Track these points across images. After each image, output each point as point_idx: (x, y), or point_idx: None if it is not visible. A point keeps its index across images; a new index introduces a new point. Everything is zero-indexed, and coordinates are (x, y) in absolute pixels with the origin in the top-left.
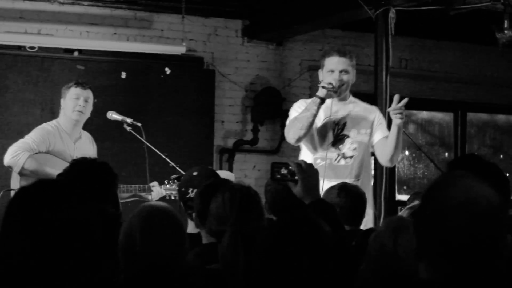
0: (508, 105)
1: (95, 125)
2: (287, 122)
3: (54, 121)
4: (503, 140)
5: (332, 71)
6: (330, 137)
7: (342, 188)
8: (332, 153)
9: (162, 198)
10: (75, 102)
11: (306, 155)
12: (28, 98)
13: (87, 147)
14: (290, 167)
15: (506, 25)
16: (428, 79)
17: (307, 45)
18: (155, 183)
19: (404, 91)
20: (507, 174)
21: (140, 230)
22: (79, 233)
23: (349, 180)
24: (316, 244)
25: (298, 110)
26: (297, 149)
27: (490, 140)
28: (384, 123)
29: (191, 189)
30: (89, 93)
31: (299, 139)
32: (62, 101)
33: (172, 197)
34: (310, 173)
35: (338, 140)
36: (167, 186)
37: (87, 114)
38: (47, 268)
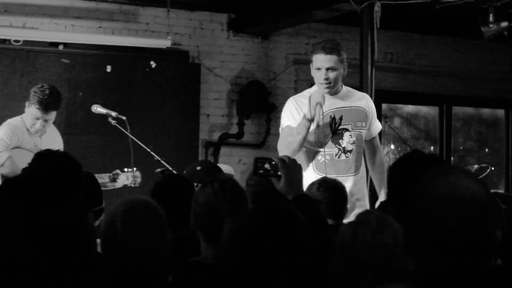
0: (493, 99)
1: (80, 118)
2: (280, 130)
3: (18, 118)
4: (488, 134)
5: (319, 68)
6: (329, 132)
7: (322, 183)
8: (333, 149)
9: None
10: (34, 121)
11: (305, 152)
12: (13, 91)
13: (53, 140)
14: (273, 162)
15: (491, 18)
16: (413, 73)
17: (293, 38)
18: (118, 171)
19: (390, 85)
20: (492, 168)
21: (122, 223)
22: (64, 225)
23: (350, 175)
24: (291, 234)
25: (287, 117)
26: None
27: (475, 133)
28: (375, 113)
29: (195, 184)
30: (52, 115)
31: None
32: (27, 104)
33: (132, 185)
34: (293, 168)
35: (338, 134)
36: (129, 173)
37: (46, 128)
38: (33, 262)
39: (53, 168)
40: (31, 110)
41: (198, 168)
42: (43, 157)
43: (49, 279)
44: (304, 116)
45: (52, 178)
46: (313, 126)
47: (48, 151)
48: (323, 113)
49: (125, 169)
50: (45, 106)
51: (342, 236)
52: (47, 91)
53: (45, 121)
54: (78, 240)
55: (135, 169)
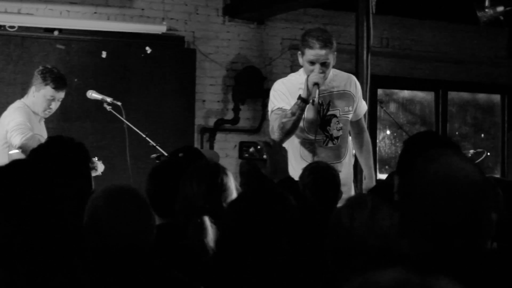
0: (489, 84)
1: (75, 104)
2: (269, 111)
3: (21, 103)
4: (484, 119)
5: (312, 62)
6: (317, 119)
7: (314, 168)
8: (320, 136)
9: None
10: (49, 103)
11: (292, 139)
12: (8, 77)
13: (43, 126)
14: (258, 146)
15: (487, 3)
16: (409, 58)
17: (288, 24)
18: (94, 160)
19: (385, 70)
20: (488, 153)
21: (104, 211)
22: (53, 210)
23: (337, 162)
24: (281, 216)
25: (279, 99)
26: None
27: (471, 119)
28: (361, 93)
29: None
30: (63, 93)
31: (285, 139)
32: (34, 89)
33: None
34: (278, 151)
35: (325, 121)
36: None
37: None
38: (21, 245)
39: (64, 155)
40: (45, 92)
41: (180, 154)
42: (56, 143)
43: (38, 265)
44: (300, 96)
45: (45, 165)
46: (308, 108)
47: (61, 138)
48: (319, 94)
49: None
50: (62, 84)
51: (339, 219)
52: (55, 70)
53: (58, 101)
54: (69, 227)
55: (97, 158)
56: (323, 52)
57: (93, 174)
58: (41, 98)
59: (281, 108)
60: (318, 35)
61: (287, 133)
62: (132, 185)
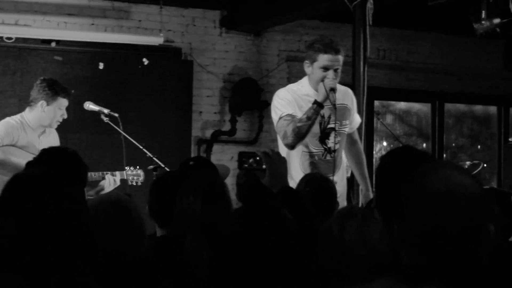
0: (485, 96)
1: (72, 115)
2: (276, 119)
3: (18, 116)
4: (481, 131)
5: (326, 68)
6: (317, 132)
7: (310, 180)
8: (319, 149)
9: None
10: (61, 112)
11: (292, 151)
12: (5, 89)
13: (51, 140)
14: (257, 157)
15: (483, 15)
16: (406, 70)
17: (285, 35)
18: (109, 173)
19: (382, 81)
20: (485, 165)
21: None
22: (63, 220)
23: (331, 175)
24: (278, 232)
25: (286, 106)
26: (275, 140)
27: (467, 130)
28: (356, 107)
29: None
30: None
31: (298, 144)
32: (44, 103)
33: (134, 183)
34: (277, 161)
35: (325, 134)
36: (129, 172)
37: None
38: (31, 254)
39: (58, 166)
40: (59, 104)
41: (191, 163)
42: (49, 154)
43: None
44: (315, 101)
45: (55, 176)
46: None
47: (54, 149)
48: (335, 99)
49: (126, 168)
50: (69, 92)
51: (329, 229)
52: (56, 80)
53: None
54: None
55: (137, 167)
56: (337, 57)
57: (112, 187)
58: (54, 111)
59: (291, 114)
60: (330, 41)
61: (301, 137)
62: (125, 197)
